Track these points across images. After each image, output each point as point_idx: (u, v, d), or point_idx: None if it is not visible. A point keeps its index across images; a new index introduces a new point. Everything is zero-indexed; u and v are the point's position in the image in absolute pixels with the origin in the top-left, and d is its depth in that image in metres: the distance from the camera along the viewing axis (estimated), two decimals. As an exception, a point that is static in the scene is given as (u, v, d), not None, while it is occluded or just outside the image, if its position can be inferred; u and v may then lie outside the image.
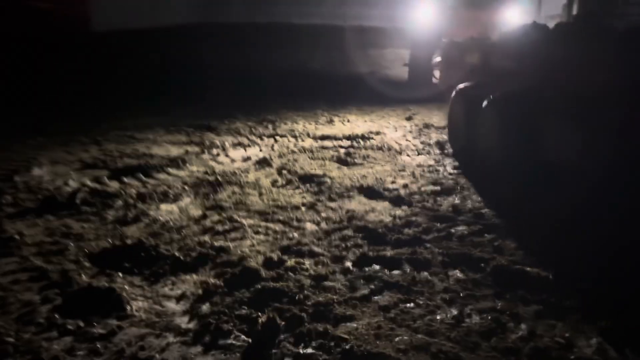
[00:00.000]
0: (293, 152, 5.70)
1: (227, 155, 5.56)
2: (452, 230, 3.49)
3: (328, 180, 4.67)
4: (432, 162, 5.27)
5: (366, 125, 7.02)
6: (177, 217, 3.83)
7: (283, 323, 2.46)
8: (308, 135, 6.44)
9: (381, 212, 3.87)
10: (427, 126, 6.88)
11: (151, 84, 10.19)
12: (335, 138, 6.28)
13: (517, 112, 4.45)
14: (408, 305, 2.64)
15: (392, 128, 6.85)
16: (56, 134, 6.09)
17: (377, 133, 6.52)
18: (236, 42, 18.41)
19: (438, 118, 7.42)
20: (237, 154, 5.64)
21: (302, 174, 4.85)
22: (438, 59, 7.38)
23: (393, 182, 4.58)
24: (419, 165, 5.16)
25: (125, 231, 3.56)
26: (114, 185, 4.49)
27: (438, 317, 2.53)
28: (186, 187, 4.50)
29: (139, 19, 20.86)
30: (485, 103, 4.79)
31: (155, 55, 14.25)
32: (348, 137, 6.29)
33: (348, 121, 7.23)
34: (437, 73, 7.49)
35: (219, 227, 3.65)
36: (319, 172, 4.93)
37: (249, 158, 5.47)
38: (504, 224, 3.60)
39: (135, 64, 12.84)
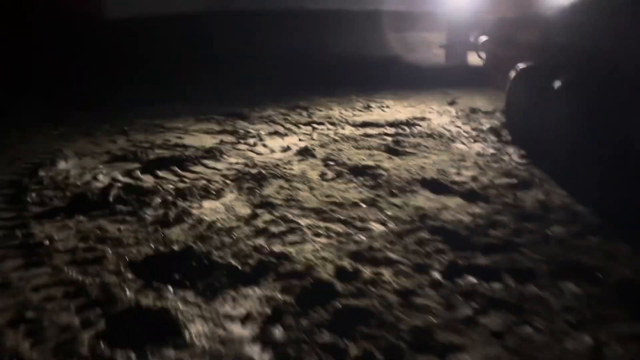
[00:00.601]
0: (335, 140, 5.20)
1: (264, 145, 5.07)
2: (548, 232, 2.98)
3: (382, 172, 4.16)
4: (492, 151, 4.75)
5: (407, 110, 6.49)
6: (224, 217, 3.35)
7: (382, 358, 1.98)
8: (347, 122, 5.92)
9: (456, 209, 3.37)
10: (474, 111, 6.34)
11: (171, 71, 9.69)
12: (378, 125, 5.76)
13: (596, 96, 3.91)
14: (525, 330, 2.15)
15: (436, 113, 6.32)
16: (79, 124, 5.63)
17: (422, 119, 5.99)
18: (251, 29, 17.81)
19: (483, 102, 6.87)
20: (275, 143, 5.15)
21: (352, 166, 4.35)
22: (484, 38, 6.80)
23: (458, 174, 4.06)
24: (479, 155, 4.63)
25: (168, 234, 3.09)
26: (148, 180, 4.02)
27: (570, 347, 2.04)
28: (228, 182, 4.01)
29: (153, 5, 20.39)
30: (557, 85, 4.25)
31: (172, 42, 13.74)
32: (392, 124, 5.77)
33: (387, 107, 6.70)
34: (482, 54, 6.92)
35: (274, 229, 3.16)
36: (370, 163, 4.42)
37: (288, 148, 4.97)
38: (605, 224, 3.08)
39: (152, 51, 12.35)
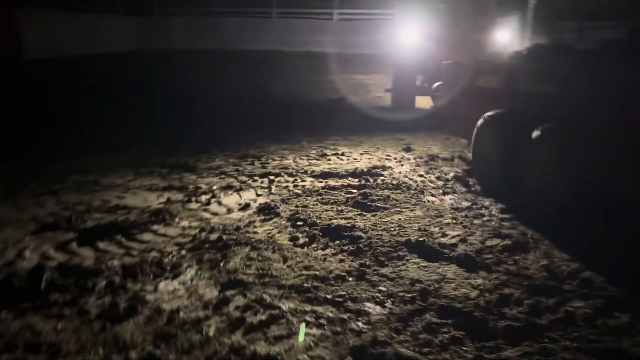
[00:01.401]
0: (297, 195, 4.69)
1: (219, 203, 4.48)
2: (569, 309, 2.59)
3: (360, 233, 3.69)
4: (467, 204, 4.40)
5: (365, 158, 6.10)
6: (187, 303, 2.75)
7: None
8: (305, 172, 5.44)
9: (457, 281, 2.93)
10: (432, 158, 6.04)
11: (98, 115, 8.92)
12: (339, 176, 5.31)
13: (582, 145, 3.66)
14: None
15: (395, 161, 5.96)
16: (-1, 182, 4.82)
17: (383, 168, 5.61)
18: (182, 69, 17.18)
19: (438, 148, 6.61)
20: (231, 200, 4.57)
21: (324, 226, 3.85)
22: (437, 83, 6.62)
23: (443, 235, 3.65)
24: (455, 209, 4.27)
25: (120, 333, 2.45)
26: (87, 254, 3.34)
27: None
28: (184, 252, 3.40)
29: (76, 46, 19.29)
30: (536, 134, 3.98)
31: (100, 83, 12.88)
32: (353, 174, 5.34)
33: (342, 154, 6.28)
34: (435, 99, 6.72)
35: (251, 318, 2.59)
36: (342, 221, 3.95)
37: (247, 205, 4.41)
38: (627, 293, 2.74)
39: (77, 93, 11.46)
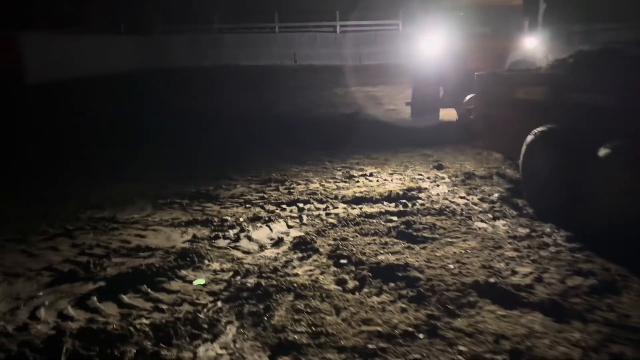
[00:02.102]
0: (332, 225, 4.23)
1: (249, 238, 4.02)
2: None
3: (416, 273, 3.23)
4: (525, 230, 3.94)
5: (396, 179, 5.65)
6: (235, 377, 2.28)
7: None
8: (336, 198, 4.98)
9: (549, 336, 2.47)
10: (468, 176, 5.58)
11: (104, 139, 8.50)
12: (373, 200, 4.86)
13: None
14: None
15: (429, 181, 5.51)
16: (5, 225, 4.36)
17: (419, 189, 5.15)
18: (186, 87, 16.79)
19: (471, 164, 6.16)
20: (262, 234, 4.12)
21: (372, 264, 3.39)
22: (469, 95, 6.19)
23: (513, 273, 3.18)
24: (513, 237, 3.81)
25: None
26: (111, 311, 2.88)
27: None
28: (220, 304, 2.94)
29: (80, 68, 18.91)
30: (605, 151, 3.53)
31: (102, 105, 12.48)
32: (388, 198, 4.89)
33: (370, 175, 5.83)
34: (464, 113, 6.29)
35: (316, 396, 2.13)
36: (391, 258, 3.49)
37: (280, 240, 3.95)
38: None
39: (78, 116, 11.05)
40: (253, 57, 24.35)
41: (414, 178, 5.64)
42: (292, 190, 5.31)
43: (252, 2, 25.59)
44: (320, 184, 5.56)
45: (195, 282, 3.27)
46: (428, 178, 5.62)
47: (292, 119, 10.30)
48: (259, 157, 7.10)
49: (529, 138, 4.33)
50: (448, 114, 8.56)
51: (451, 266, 3.33)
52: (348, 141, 7.90)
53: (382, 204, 4.78)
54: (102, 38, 21.93)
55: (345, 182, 5.62)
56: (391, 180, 5.61)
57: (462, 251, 3.60)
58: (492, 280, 3.06)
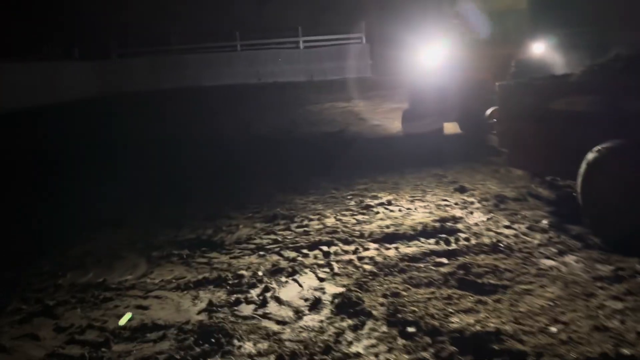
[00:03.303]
0: (372, 274, 3.47)
1: (279, 301, 3.22)
2: None
3: (515, 343, 2.49)
4: (609, 268, 3.27)
5: (419, 207, 4.93)
6: None
7: None
8: (362, 236, 4.22)
9: None
10: (500, 200, 4.91)
11: (69, 173, 7.50)
12: (407, 237, 4.12)
13: None
14: None
15: (458, 208, 4.81)
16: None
17: (454, 220, 4.44)
18: (149, 112, 15.67)
19: (495, 185, 5.50)
20: (292, 293, 3.32)
21: (450, 332, 2.64)
22: (491, 108, 5.56)
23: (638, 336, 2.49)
24: (600, 279, 3.13)
25: None
26: None
27: None
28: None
29: (32, 97, 17.53)
30: None
31: (59, 137, 11.38)
32: (424, 233, 4.16)
33: (388, 203, 5.10)
34: (490, 127, 5.66)
35: None
36: (469, 320, 2.75)
37: (318, 301, 3.16)
38: None
39: (31, 151, 9.92)
40: (216, 77, 23.39)
41: (440, 205, 4.93)
42: (307, 229, 4.50)
43: (212, 21, 24.70)
44: (336, 218, 4.78)
45: None
46: (456, 204, 4.92)
47: (273, 142, 9.49)
48: (252, 187, 6.28)
49: (592, 156, 3.69)
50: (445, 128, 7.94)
51: (553, 329, 2.61)
52: (344, 163, 7.16)
53: (419, 240, 4.04)
54: (56, 65, 20.57)
55: (363, 214, 4.86)
56: (415, 209, 4.88)
57: (550, 303, 2.90)
58: (625, 351, 2.35)
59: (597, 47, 5.60)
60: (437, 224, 4.33)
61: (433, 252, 3.76)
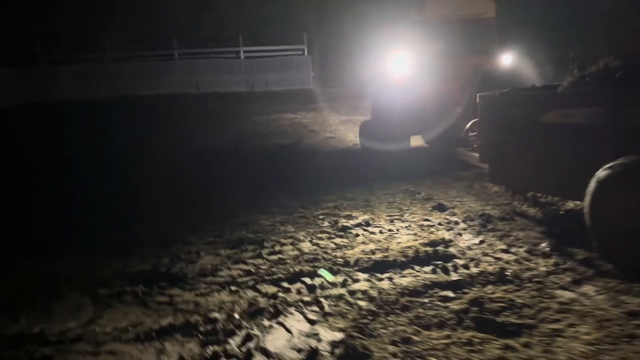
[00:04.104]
0: (372, 314, 2.92)
1: (265, 353, 2.59)
2: None
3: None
4: (637, 302, 2.89)
5: (401, 227, 4.44)
6: None
7: None
8: (347, 264, 3.66)
9: None
10: (486, 219, 4.49)
11: None
12: (398, 264, 3.60)
13: None
14: None
15: (444, 229, 4.35)
16: None
17: (444, 243, 3.97)
18: (81, 121, 14.38)
19: (474, 202, 5.11)
20: (279, 340, 2.70)
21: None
22: (472, 120, 5.17)
23: None
24: (634, 315, 2.73)
25: None
26: None
27: None
28: None
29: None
30: None
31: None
32: (416, 260, 3.66)
33: (367, 224, 4.57)
34: (471, 140, 5.27)
35: None
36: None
37: (314, 352, 2.58)
38: None
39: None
40: (152, 87, 22.21)
41: (423, 226, 4.46)
42: (281, 257, 3.89)
43: (148, 29, 23.46)
44: (311, 242, 4.20)
45: None
46: (440, 225, 4.47)
47: (222, 155, 8.77)
48: (206, 205, 5.60)
49: (604, 173, 3.33)
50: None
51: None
52: (305, 178, 6.61)
53: (413, 269, 3.54)
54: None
55: (341, 236, 4.31)
56: (397, 230, 4.39)
57: (591, 348, 2.46)
58: None
59: (567, 60, 5.37)
60: (427, 249, 3.85)
61: (435, 284, 3.26)
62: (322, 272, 3.50)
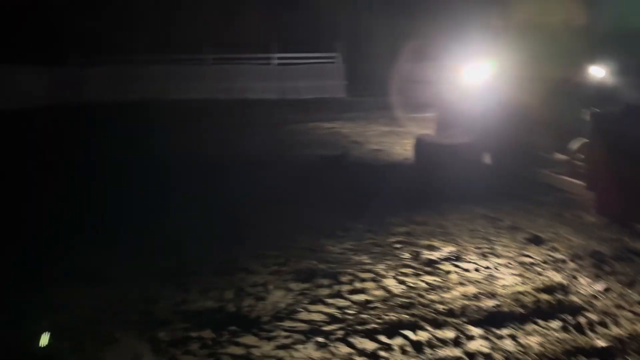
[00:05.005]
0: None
1: None
2: None
3: None
4: None
5: (500, 265, 3.76)
6: None
7: None
8: (452, 313, 2.99)
9: None
10: (599, 258, 3.78)
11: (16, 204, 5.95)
12: (517, 317, 2.92)
13: None
14: None
15: (552, 269, 3.66)
16: None
17: (562, 290, 3.29)
18: (115, 124, 13.80)
19: (573, 234, 4.39)
20: None
21: None
22: (577, 143, 4.50)
23: None
24: None
25: None
26: None
27: None
28: None
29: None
30: None
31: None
32: (537, 312, 2.99)
33: (456, 258, 3.90)
34: (575, 166, 4.60)
35: None
36: None
37: None
38: None
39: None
40: (183, 91, 21.75)
41: (525, 263, 3.77)
42: (367, 298, 3.24)
43: (180, 32, 23.12)
44: (397, 279, 3.54)
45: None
46: (545, 263, 3.78)
47: (265, 165, 8.15)
48: (260, 222, 4.98)
49: None
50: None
51: None
52: (362, 195, 5.97)
53: (537, 324, 2.86)
54: (3, 69, 18.23)
55: (430, 273, 3.64)
56: (495, 268, 3.71)
57: None
58: None
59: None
60: (544, 296, 3.18)
61: (577, 349, 2.58)
62: None
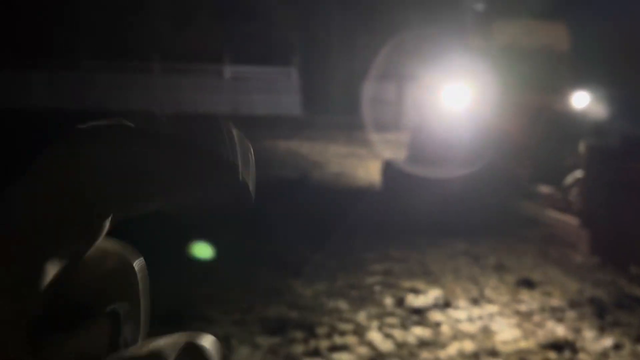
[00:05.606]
0: None
1: None
2: None
3: None
4: None
5: (495, 314, 3.42)
6: None
7: None
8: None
9: None
10: (599, 306, 3.53)
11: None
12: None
13: None
14: None
15: (552, 319, 3.35)
16: None
17: (569, 347, 2.97)
18: (47, 135, 13.01)
19: (565, 275, 4.13)
20: None
21: None
22: (575, 174, 4.24)
23: None
24: None
25: None
26: None
27: None
28: None
29: None
30: None
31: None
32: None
33: (445, 305, 3.53)
34: (566, 202, 4.34)
35: None
36: None
37: None
38: None
39: None
40: (127, 101, 20.89)
41: (522, 312, 3.45)
42: (351, 357, 2.81)
43: (127, 39, 22.26)
44: (382, 332, 3.12)
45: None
46: (542, 311, 3.47)
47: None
48: (219, 258, 4.47)
49: None
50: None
51: None
52: (330, 225, 5.56)
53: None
54: None
55: (419, 323, 3.25)
56: (490, 317, 3.37)
57: None
58: None
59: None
60: (551, 355, 2.84)
61: None
62: None
